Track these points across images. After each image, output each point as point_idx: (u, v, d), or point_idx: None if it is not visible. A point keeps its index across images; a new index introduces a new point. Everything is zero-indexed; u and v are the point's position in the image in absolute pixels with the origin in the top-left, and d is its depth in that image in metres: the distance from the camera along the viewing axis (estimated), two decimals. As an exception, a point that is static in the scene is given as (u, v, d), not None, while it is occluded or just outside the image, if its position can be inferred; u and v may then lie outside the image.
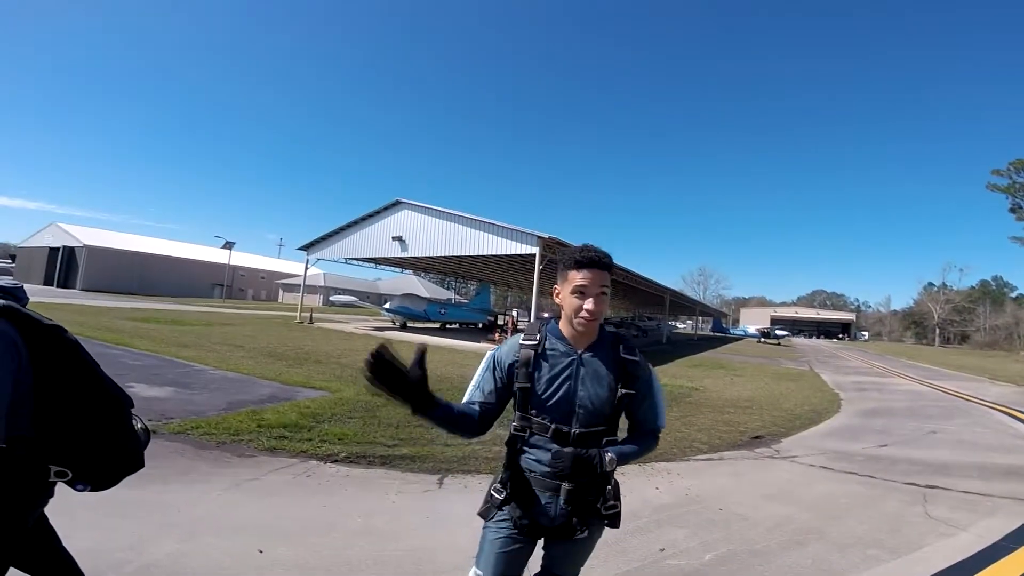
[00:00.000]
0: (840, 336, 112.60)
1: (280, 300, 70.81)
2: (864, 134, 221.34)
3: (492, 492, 1.86)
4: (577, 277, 1.73)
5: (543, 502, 1.76)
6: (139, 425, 1.85)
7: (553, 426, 1.74)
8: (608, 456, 1.71)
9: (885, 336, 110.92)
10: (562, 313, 1.81)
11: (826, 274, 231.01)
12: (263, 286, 74.06)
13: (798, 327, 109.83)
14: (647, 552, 3.57)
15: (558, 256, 1.88)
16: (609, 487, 1.81)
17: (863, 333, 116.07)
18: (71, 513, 1.77)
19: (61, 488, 1.72)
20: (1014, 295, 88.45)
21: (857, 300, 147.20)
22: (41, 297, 29.20)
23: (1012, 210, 64.74)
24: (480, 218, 22.38)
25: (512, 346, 1.85)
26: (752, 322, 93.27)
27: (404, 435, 6.22)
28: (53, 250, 56.56)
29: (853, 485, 5.58)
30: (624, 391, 1.77)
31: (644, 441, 1.88)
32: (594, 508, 1.78)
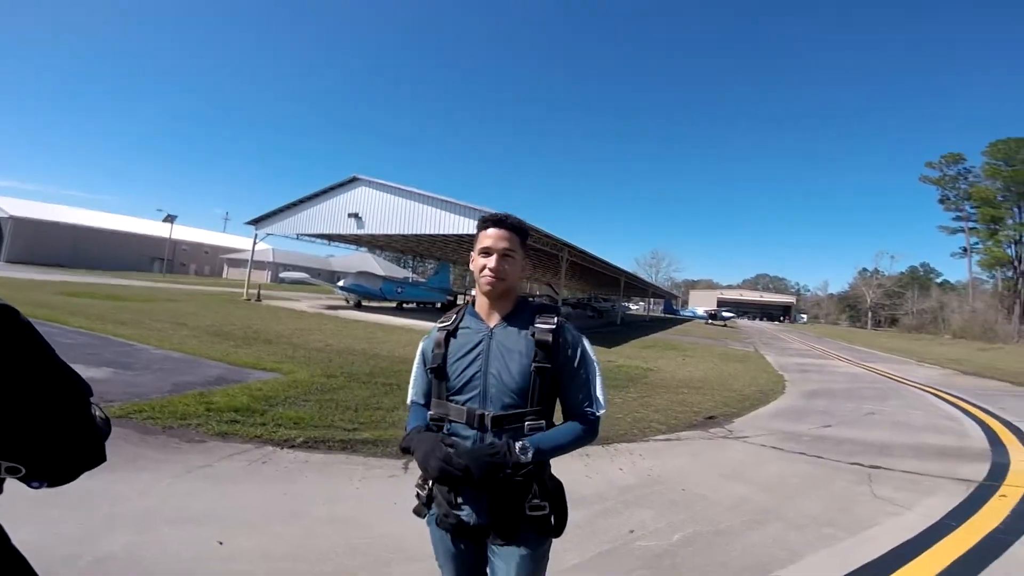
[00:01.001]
0: (781, 318, 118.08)
1: (225, 276, 67.97)
2: (808, 127, 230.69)
3: (416, 488, 1.68)
4: (484, 238, 1.67)
5: (461, 500, 1.59)
6: (99, 415, 1.66)
7: (466, 408, 1.59)
8: (520, 445, 1.49)
9: (822, 319, 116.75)
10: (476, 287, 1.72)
11: (770, 258, 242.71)
12: (207, 261, 70.85)
13: (743, 309, 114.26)
14: (617, 534, 3.60)
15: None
16: (533, 483, 1.53)
17: (802, 316, 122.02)
18: (9, 504, 1.58)
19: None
20: (939, 280, 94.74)
21: (798, 284, 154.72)
22: (-44, 269, 26.93)
23: (941, 201, 69.62)
24: (439, 196, 21.96)
25: (432, 331, 1.76)
26: (701, 304, 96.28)
27: (364, 419, 6.05)
28: (-27, 221, 52.18)
29: (803, 465, 5.82)
30: (537, 364, 1.57)
31: (571, 428, 1.62)
32: (519, 510, 1.52)
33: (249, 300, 26.39)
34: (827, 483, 5.22)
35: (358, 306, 28.95)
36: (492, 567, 1.62)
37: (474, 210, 20.82)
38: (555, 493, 1.59)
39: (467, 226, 21.13)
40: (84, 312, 13.76)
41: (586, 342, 1.69)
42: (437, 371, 1.65)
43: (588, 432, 1.63)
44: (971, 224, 65.50)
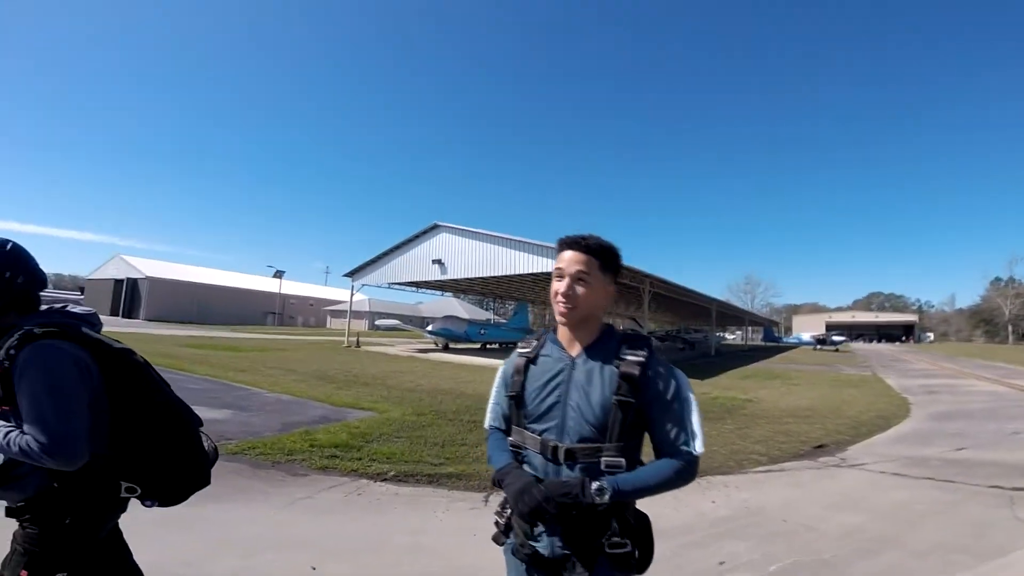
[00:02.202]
0: (902, 339, 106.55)
1: (328, 326, 72.89)
2: (915, 126, 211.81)
3: (495, 516, 1.64)
4: (559, 260, 1.60)
5: (537, 532, 1.52)
6: (207, 444, 1.91)
7: (541, 439, 1.53)
8: (596, 485, 1.38)
9: (952, 336, 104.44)
10: None
11: (883, 275, 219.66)
12: (312, 312, 76.51)
13: (856, 332, 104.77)
14: (705, 566, 3.41)
15: None
16: (615, 521, 1.45)
17: (928, 334, 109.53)
18: (132, 525, 1.84)
19: (130, 504, 1.79)
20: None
21: (919, 300, 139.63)
22: (109, 327, 30.85)
23: None
24: (515, 237, 22.52)
25: (513, 357, 1.72)
26: (806, 329, 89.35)
27: (449, 454, 6.23)
28: (118, 282, 60.27)
29: (930, 490, 5.23)
30: (619, 397, 1.46)
31: (661, 468, 1.48)
32: (597, 546, 1.45)
33: (349, 347, 28.14)
34: (959, 508, 4.67)
35: (446, 348, 29.90)
36: None
37: (548, 248, 21.07)
38: (639, 528, 1.50)
39: (542, 265, 21.41)
40: (207, 362, 15.36)
41: (681, 376, 1.54)
42: (516, 398, 1.61)
43: (681, 473, 1.46)
44: None
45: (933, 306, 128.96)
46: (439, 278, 26.96)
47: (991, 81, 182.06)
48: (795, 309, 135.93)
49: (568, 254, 1.58)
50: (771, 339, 73.86)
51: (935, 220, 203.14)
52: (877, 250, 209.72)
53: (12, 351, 1.51)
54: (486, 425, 1.79)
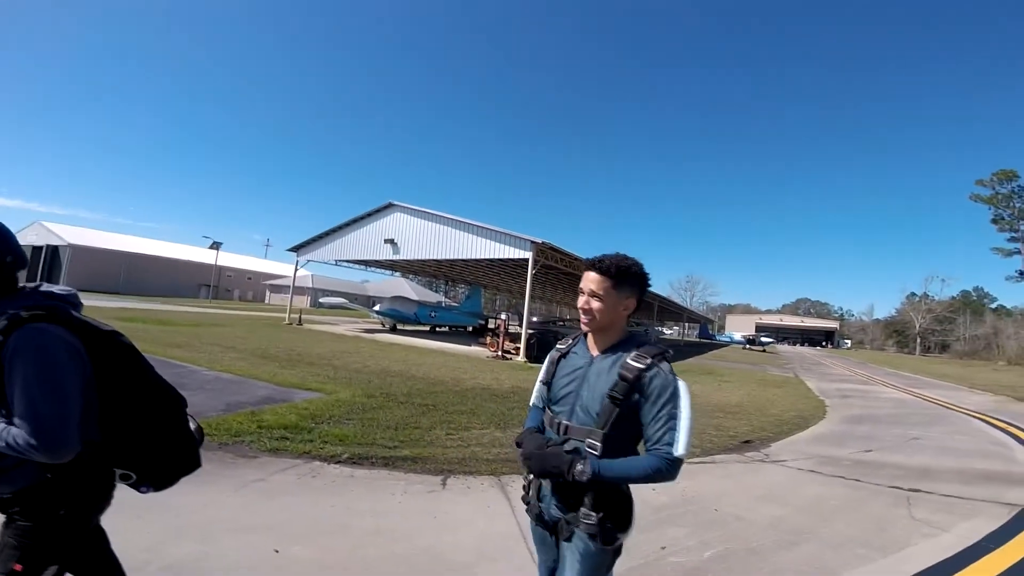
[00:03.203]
0: (823, 344, 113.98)
1: (267, 301, 70.25)
2: (850, 144, 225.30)
3: (523, 479, 2.00)
4: (582, 279, 1.88)
5: (543, 495, 1.89)
6: (193, 425, 1.91)
7: (553, 417, 1.87)
8: (580, 466, 1.65)
9: (868, 344, 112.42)
10: None
11: (811, 283, 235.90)
12: (250, 287, 73.45)
13: (783, 334, 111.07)
14: (649, 550, 3.69)
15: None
16: (588, 495, 1.72)
17: (846, 341, 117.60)
18: None
19: None
20: (993, 306, 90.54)
21: (841, 309, 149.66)
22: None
23: (994, 221, 65.58)
24: (473, 222, 22.50)
25: (553, 350, 2.06)
26: (738, 329, 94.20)
27: (404, 437, 6.30)
28: (36, 248, 55.65)
29: (840, 488, 5.76)
30: (612, 394, 1.71)
31: (643, 461, 1.67)
32: (576, 515, 1.75)
33: (291, 324, 27.37)
34: (864, 505, 5.20)
35: (393, 329, 29.58)
36: (560, 558, 1.86)
37: (506, 235, 21.21)
38: (615, 503, 1.75)
39: (498, 251, 21.53)
40: (140, 336, 14.50)
41: (681, 386, 1.71)
42: (548, 385, 1.97)
43: (659, 470, 1.64)
44: None
45: (853, 315, 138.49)
46: (391, 258, 26.58)
47: (925, 106, 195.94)
48: (729, 309, 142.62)
49: (588, 273, 1.85)
50: (706, 336, 77.38)
51: (864, 234, 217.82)
52: (809, 259, 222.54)
53: (0, 337, 1.46)
54: (530, 403, 2.13)
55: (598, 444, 1.72)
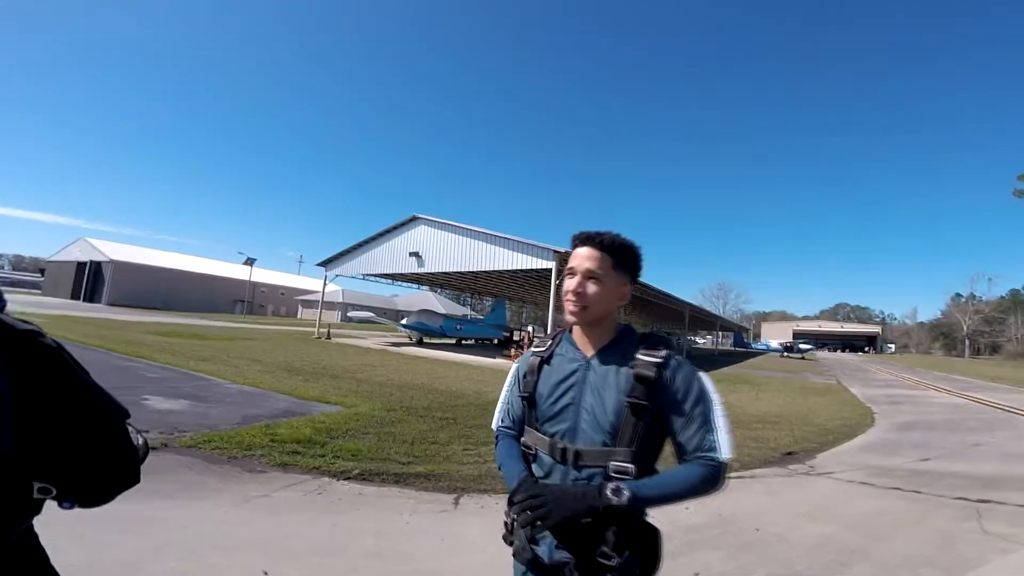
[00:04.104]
0: (866, 349, 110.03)
1: (299, 316, 71.57)
2: (886, 144, 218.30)
3: (504, 514, 1.51)
4: (571, 258, 1.52)
5: (539, 536, 1.43)
6: (139, 440, 1.67)
7: (550, 440, 1.45)
8: (613, 485, 1.28)
9: (912, 348, 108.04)
10: None
11: (849, 287, 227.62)
12: (283, 302, 75.02)
13: (822, 341, 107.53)
14: (680, 577, 3.29)
15: None
16: (610, 530, 1.31)
17: (890, 346, 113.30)
18: (67, 526, 1.63)
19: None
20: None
21: (882, 312, 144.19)
22: (67, 311, 30.01)
23: None
24: (496, 233, 22.32)
25: (527, 356, 1.65)
26: (774, 336, 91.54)
27: (419, 452, 6.03)
28: (80, 264, 58.08)
29: (897, 501, 5.24)
30: (633, 400, 1.37)
31: (684, 473, 1.34)
32: (591, 558, 1.33)
33: (320, 338, 27.60)
34: (927, 520, 4.68)
35: (420, 343, 29.57)
36: None
37: (528, 245, 20.95)
38: (642, 538, 1.38)
39: (521, 261, 21.27)
40: (170, 350, 14.78)
41: (704, 377, 1.43)
42: (528, 399, 1.55)
43: (706, 480, 1.33)
44: None
45: (896, 319, 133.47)
46: (416, 271, 26.59)
47: (963, 102, 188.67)
48: (764, 316, 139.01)
49: (581, 251, 1.51)
50: (741, 345, 75.21)
51: (903, 236, 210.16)
52: (846, 263, 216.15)
53: None
54: (494, 426, 1.69)
55: (630, 465, 1.35)
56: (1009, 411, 13.66)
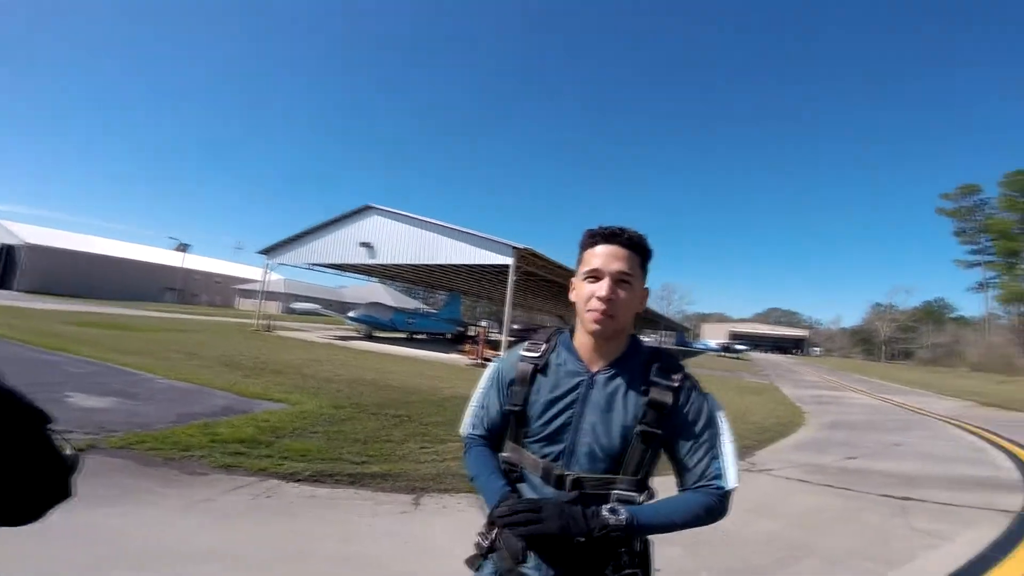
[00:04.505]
0: (793, 351, 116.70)
1: (237, 306, 68.31)
2: (822, 158, 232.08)
3: (478, 535, 1.36)
4: (591, 258, 1.32)
5: (532, 559, 1.29)
6: (67, 451, 1.47)
7: (543, 463, 1.31)
8: (609, 507, 1.20)
9: (835, 352, 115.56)
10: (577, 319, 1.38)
11: (782, 292, 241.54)
12: (218, 291, 71.38)
13: (755, 342, 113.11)
14: None
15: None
16: (624, 551, 1.23)
17: (815, 349, 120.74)
18: (6, 541, 1.43)
19: None
20: (954, 315, 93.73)
21: (810, 318, 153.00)
22: (-29, 298, 27.34)
23: (957, 234, 68.76)
24: (453, 226, 22.03)
25: (512, 358, 1.46)
26: (713, 337, 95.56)
27: (373, 451, 5.85)
28: (-9, 247, 53.10)
29: (832, 498, 5.57)
30: (644, 427, 1.26)
31: (687, 501, 1.28)
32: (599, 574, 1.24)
33: (260, 330, 26.41)
34: (860, 516, 5.00)
35: (369, 337, 28.86)
36: None
37: (487, 240, 20.83)
38: (642, 555, 1.29)
39: (479, 256, 21.13)
40: (93, 342, 13.72)
41: (714, 402, 1.36)
42: (518, 414, 1.38)
43: (711, 511, 1.27)
44: (988, 258, 64.64)
45: (821, 324, 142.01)
46: (367, 262, 25.86)
47: (895, 119, 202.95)
48: (704, 317, 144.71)
49: (605, 249, 1.31)
50: (682, 344, 77.98)
51: (832, 246, 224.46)
52: (779, 269, 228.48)
53: None
54: (463, 433, 1.51)
55: (634, 494, 1.27)
56: (923, 413, 14.85)
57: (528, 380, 1.38)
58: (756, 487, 5.89)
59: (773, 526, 4.51)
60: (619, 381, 1.32)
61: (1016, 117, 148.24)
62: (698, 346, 77.35)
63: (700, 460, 1.30)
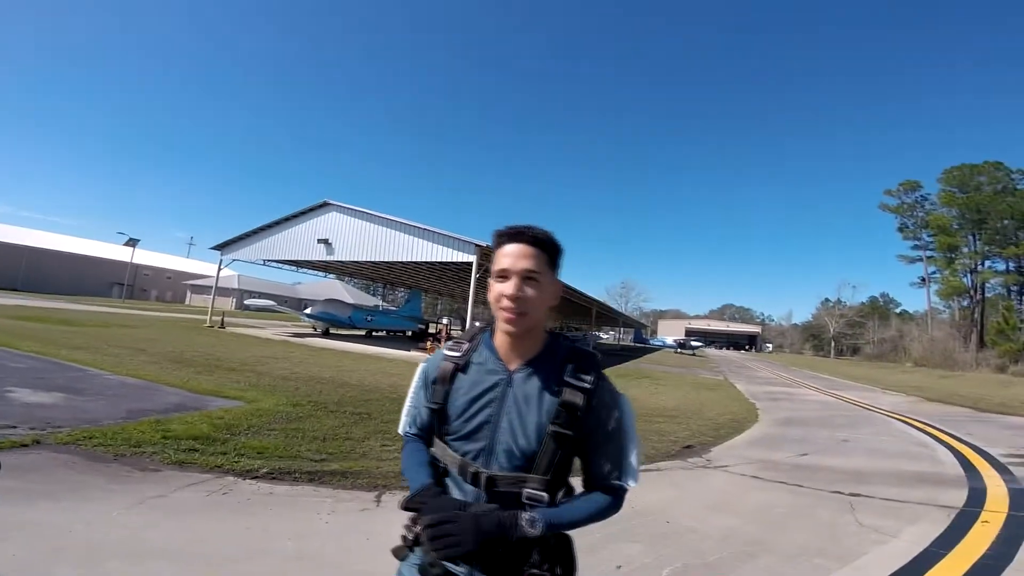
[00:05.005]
0: (747, 347, 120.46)
1: (188, 302, 65.79)
2: (771, 154, 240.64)
3: (404, 528, 1.37)
4: (500, 258, 1.34)
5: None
6: None
7: (460, 460, 1.34)
8: (528, 516, 1.23)
9: (787, 348, 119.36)
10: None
11: (736, 289, 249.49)
12: (169, 287, 68.63)
13: (710, 339, 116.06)
14: (603, 571, 3.41)
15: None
16: (536, 551, 1.27)
17: (768, 345, 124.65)
18: None
19: None
20: (899, 310, 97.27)
21: (763, 314, 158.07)
22: None
23: (900, 229, 71.11)
24: (415, 223, 21.83)
25: (437, 357, 1.48)
26: (669, 333, 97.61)
27: (333, 449, 5.77)
28: (-78, 240, 49.54)
29: (785, 494, 5.73)
30: (556, 428, 1.29)
31: (592, 502, 1.33)
32: (518, 572, 1.27)
33: (212, 327, 25.54)
34: (811, 512, 5.14)
35: (326, 334, 28.30)
36: None
37: (449, 238, 20.74)
38: (560, 549, 1.33)
39: (440, 254, 21.02)
40: (36, 336, 13.02)
41: (627, 405, 1.40)
42: (439, 411, 1.40)
43: (612, 506, 1.34)
44: (929, 253, 66.20)
45: (774, 320, 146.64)
46: (324, 259, 25.35)
47: (840, 115, 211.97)
48: (661, 314, 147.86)
49: (512, 248, 1.33)
50: (640, 340, 79.80)
51: (783, 243, 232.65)
52: (733, 266, 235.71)
53: None
54: (400, 430, 1.55)
55: (543, 493, 1.29)
56: (870, 409, 15.47)
57: (449, 379, 1.40)
58: (712, 483, 6.04)
59: (731, 522, 4.61)
60: (535, 380, 1.35)
61: (956, 113, 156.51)
62: (655, 343, 79.14)
63: (607, 462, 1.35)
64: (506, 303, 1.30)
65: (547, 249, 1.36)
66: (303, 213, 25.47)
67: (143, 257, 64.27)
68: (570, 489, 1.38)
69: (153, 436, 5.35)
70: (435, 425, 1.42)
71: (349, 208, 23.90)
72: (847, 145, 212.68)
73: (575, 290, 32.18)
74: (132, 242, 57.69)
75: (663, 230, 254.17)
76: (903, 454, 8.50)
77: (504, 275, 1.32)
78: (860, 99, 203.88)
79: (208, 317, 28.25)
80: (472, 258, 20.05)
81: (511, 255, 1.32)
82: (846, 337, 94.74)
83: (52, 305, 28.40)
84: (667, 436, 8.56)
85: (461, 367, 1.40)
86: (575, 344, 1.43)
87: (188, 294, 68.44)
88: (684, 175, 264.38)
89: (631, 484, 1.34)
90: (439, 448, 1.40)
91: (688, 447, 7.96)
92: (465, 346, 1.43)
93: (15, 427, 5.19)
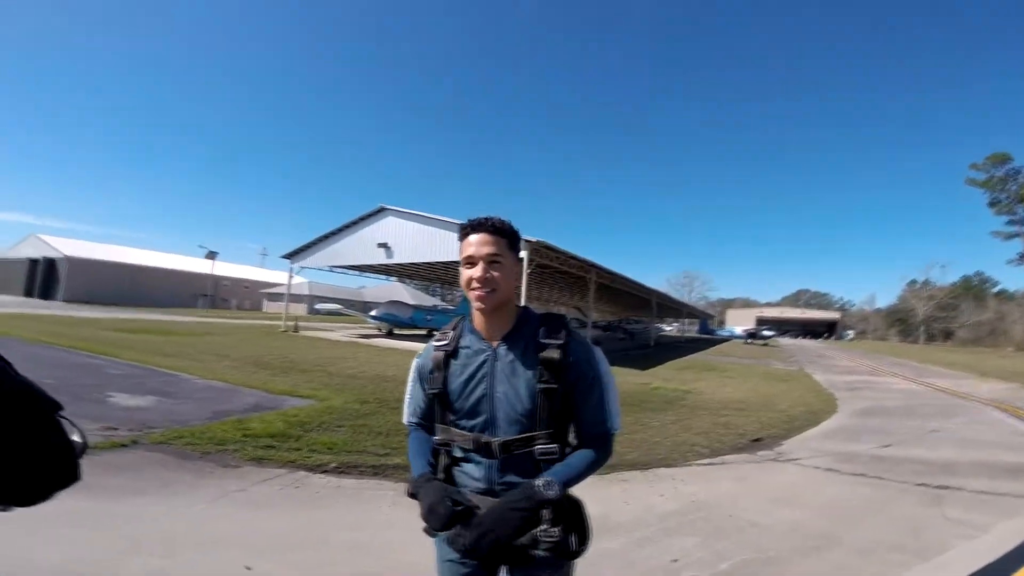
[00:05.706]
0: (825, 335, 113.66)
1: (264, 309, 69.84)
2: (845, 134, 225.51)
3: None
4: (466, 247, 1.52)
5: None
6: (76, 437, 1.56)
7: (473, 435, 1.50)
8: (542, 481, 1.34)
9: (870, 334, 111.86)
10: None
11: (810, 273, 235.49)
12: (247, 295, 73.09)
13: (784, 327, 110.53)
14: (658, 563, 3.37)
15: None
16: (546, 511, 1.34)
17: (848, 332, 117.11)
18: (40, 527, 1.55)
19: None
20: (996, 290, 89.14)
21: (841, 299, 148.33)
22: (20, 309, 28.58)
23: (991, 204, 65.40)
24: (462, 222, 22.13)
25: (428, 350, 1.64)
26: (738, 323, 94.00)
27: (395, 444, 6.00)
28: (33, 261, 55.47)
29: (862, 487, 5.44)
30: (544, 385, 1.45)
31: (587, 452, 1.48)
32: (533, 537, 1.36)
33: (287, 332, 27.02)
34: (891, 506, 4.85)
35: (390, 334, 29.25)
36: None
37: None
38: (571, 512, 1.43)
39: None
40: (134, 346, 14.27)
41: (599, 354, 1.55)
42: (439, 396, 1.56)
43: (603, 452, 1.51)
44: None
45: (854, 305, 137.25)
46: (384, 262, 26.22)
47: (922, 98, 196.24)
48: (728, 303, 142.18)
49: (476, 237, 1.51)
50: (706, 332, 77.02)
51: (862, 222, 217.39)
52: (807, 249, 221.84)
53: None
54: (404, 421, 1.73)
55: (553, 445, 1.46)
56: (962, 397, 14.29)
57: (442, 365, 1.57)
58: (781, 476, 5.82)
59: (797, 516, 4.43)
60: (517, 349, 1.51)
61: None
62: (722, 333, 76.17)
63: (593, 410, 1.51)
64: (475, 285, 1.48)
65: (506, 235, 1.53)
66: (362, 219, 26.40)
67: (222, 269, 68.75)
68: (565, 446, 1.53)
69: (235, 435, 5.76)
70: (438, 411, 1.58)
71: (404, 211, 24.57)
72: (930, 113, 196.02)
73: (632, 281, 31.58)
74: (212, 255, 61.95)
75: (731, 214, 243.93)
76: (1000, 444, 7.83)
77: (471, 261, 1.50)
78: (941, 79, 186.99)
79: (283, 322, 29.92)
80: (523, 254, 20.14)
81: (475, 243, 1.50)
82: (937, 321, 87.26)
83: (147, 317, 30.98)
84: (734, 429, 8.30)
85: (451, 353, 1.57)
86: (546, 313, 1.61)
87: (264, 301, 72.67)
88: (750, 155, 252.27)
89: (616, 427, 1.52)
90: (447, 432, 1.56)
91: (757, 440, 7.67)
92: (450, 335, 1.61)
93: (116, 428, 5.75)
